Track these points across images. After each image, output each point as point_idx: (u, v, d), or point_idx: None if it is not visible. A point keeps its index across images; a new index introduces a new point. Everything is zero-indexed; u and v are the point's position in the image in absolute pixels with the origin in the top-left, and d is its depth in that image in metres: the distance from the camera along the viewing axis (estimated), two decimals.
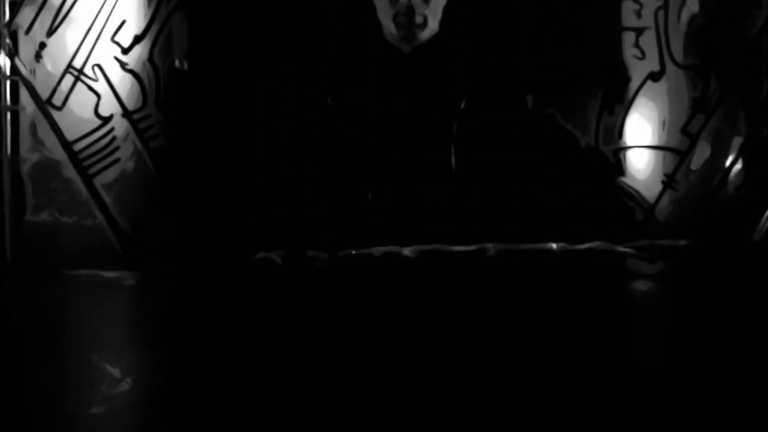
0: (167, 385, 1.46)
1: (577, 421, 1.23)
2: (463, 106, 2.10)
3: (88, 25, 2.12)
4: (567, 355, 1.53)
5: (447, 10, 2.11)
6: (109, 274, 2.13)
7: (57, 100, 2.12)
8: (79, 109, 2.13)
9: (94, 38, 2.12)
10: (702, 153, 2.14)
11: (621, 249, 2.12)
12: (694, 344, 1.63)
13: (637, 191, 2.14)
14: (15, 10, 2.12)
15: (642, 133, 2.14)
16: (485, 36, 2.11)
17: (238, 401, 1.32)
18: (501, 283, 2.08)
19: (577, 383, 1.37)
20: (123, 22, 2.12)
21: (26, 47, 2.13)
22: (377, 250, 2.10)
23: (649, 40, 2.13)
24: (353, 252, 2.09)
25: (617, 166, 2.14)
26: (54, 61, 2.13)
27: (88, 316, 1.99)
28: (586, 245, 2.11)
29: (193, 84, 2.13)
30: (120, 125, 2.13)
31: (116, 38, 2.12)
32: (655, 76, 2.13)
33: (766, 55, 2.13)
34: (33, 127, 2.13)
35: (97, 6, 2.11)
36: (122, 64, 2.12)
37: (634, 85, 2.13)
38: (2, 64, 2.14)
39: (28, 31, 2.13)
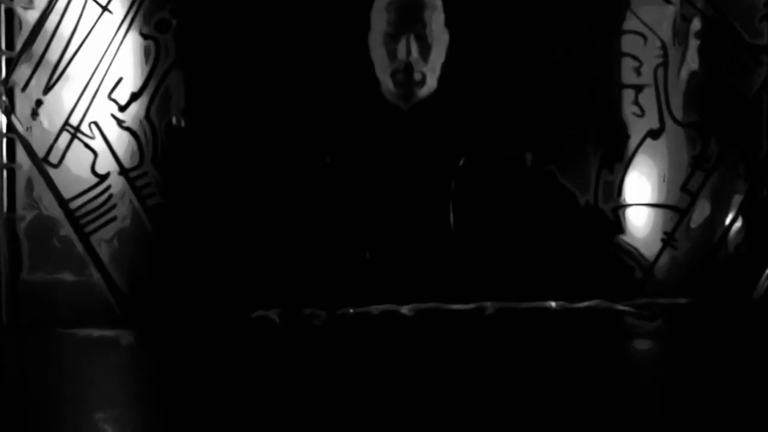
0: None
1: None
2: (461, 163, 2.12)
3: (85, 82, 2.13)
4: (566, 413, 1.55)
5: (446, 67, 2.12)
6: (107, 333, 2.15)
7: (53, 158, 2.14)
8: (76, 167, 2.15)
9: (91, 96, 2.13)
10: (702, 211, 2.15)
11: (620, 307, 2.14)
12: (694, 403, 1.65)
13: (636, 249, 2.16)
14: (11, 67, 2.14)
15: (641, 190, 2.16)
16: (484, 93, 2.13)
17: None
18: (500, 341, 2.09)
19: None
20: (120, 80, 2.14)
21: (22, 104, 2.15)
22: (375, 309, 2.11)
23: (648, 98, 2.15)
24: (351, 310, 2.11)
25: (616, 224, 2.15)
26: (50, 118, 2.15)
27: (85, 375, 2.00)
28: (586, 303, 2.12)
29: (190, 142, 2.14)
30: (117, 183, 2.15)
31: (113, 96, 2.14)
32: (654, 134, 2.15)
33: (767, 113, 2.14)
34: (29, 184, 2.15)
35: (94, 63, 2.13)
36: (119, 122, 2.14)
37: (633, 143, 2.15)
38: None
39: (24, 89, 2.14)
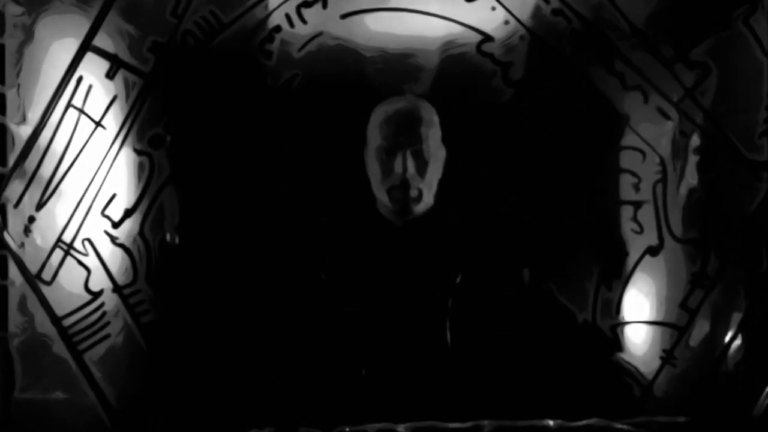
0: None
1: None
2: (458, 280, 2.15)
3: (78, 198, 2.17)
4: None
5: (442, 184, 2.16)
6: None
7: (46, 275, 2.18)
8: (69, 284, 2.19)
9: (84, 212, 2.18)
10: (701, 328, 2.19)
11: (619, 426, 2.17)
12: None
13: (635, 367, 2.19)
14: (3, 183, 2.18)
15: (640, 308, 2.19)
16: (481, 210, 2.17)
17: None
18: None
19: None
20: (113, 196, 2.18)
21: (15, 221, 2.19)
22: (371, 427, 2.14)
23: (647, 214, 2.19)
24: (347, 429, 2.14)
25: (615, 342, 2.19)
26: (43, 235, 2.18)
27: None
28: (584, 422, 2.16)
29: (184, 259, 2.18)
30: (110, 300, 2.19)
31: (106, 212, 2.18)
32: (653, 251, 2.18)
33: (767, 229, 2.18)
34: (22, 302, 2.19)
35: (87, 179, 2.17)
36: (112, 239, 2.18)
37: (632, 260, 2.19)
38: None
39: (17, 205, 2.18)
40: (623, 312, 2.19)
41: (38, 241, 2.18)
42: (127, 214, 2.18)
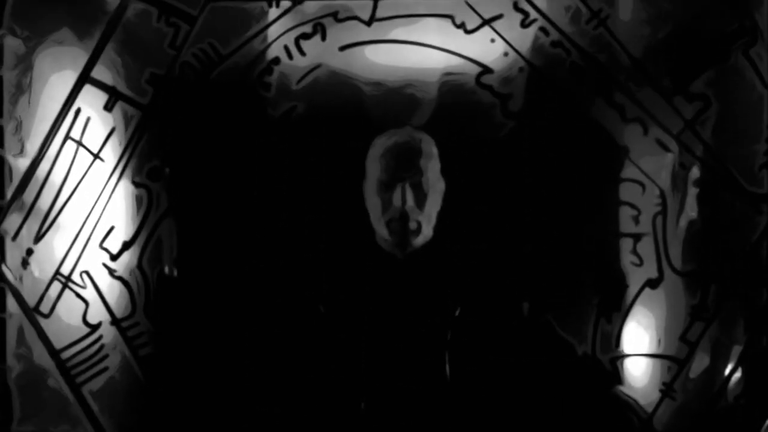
0: None
1: None
2: (457, 313, 2.16)
3: (76, 231, 2.20)
4: None
5: (441, 216, 2.17)
6: None
7: (44, 308, 2.20)
8: (67, 317, 2.21)
9: (82, 245, 2.20)
10: (701, 361, 2.21)
11: None
12: None
13: (634, 400, 2.21)
14: (1, 215, 2.20)
15: (640, 341, 2.21)
16: (480, 243, 2.18)
17: None
18: None
19: None
20: (111, 229, 2.20)
21: (13, 253, 2.21)
22: None
23: (647, 247, 2.20)
24: None
25: (614, 374, 2.21)
26: (41, 267, 2.21)
27: None
28: None
29: (182, 292, 2.20)
30: (108, 333, 2.21)
31: (105, 245, 2.20)
32: (653, 283, 2.20)
33: (767, 262, 2.19)
34: (20, 334, 2.21)
35: (85, 212, 2.20)
36: (111, 271, 2.20)
37: (631, 292, 2.20)
38: None
39: (15, 237, 2.21)
40: (623, 345, 2.21)
41: (36, 273, 2.20)
42: (126, 246, 2.20)
